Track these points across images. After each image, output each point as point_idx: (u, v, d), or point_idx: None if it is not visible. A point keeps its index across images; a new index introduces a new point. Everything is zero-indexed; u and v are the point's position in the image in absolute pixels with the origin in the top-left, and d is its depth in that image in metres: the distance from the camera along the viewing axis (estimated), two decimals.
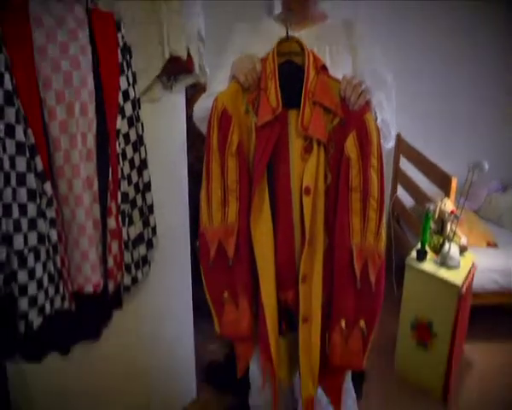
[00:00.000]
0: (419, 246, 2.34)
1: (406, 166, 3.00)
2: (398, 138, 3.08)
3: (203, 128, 1.53)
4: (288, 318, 1.48)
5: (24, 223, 1.40)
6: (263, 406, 1.87)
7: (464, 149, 2.95)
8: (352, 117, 1.35)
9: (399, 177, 3.11)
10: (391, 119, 1.55)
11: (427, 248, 2.34)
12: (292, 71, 1.38)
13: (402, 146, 3.06)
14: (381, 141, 1.38)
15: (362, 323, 1.42)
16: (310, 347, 1.42)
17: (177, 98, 1.81)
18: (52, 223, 1.47)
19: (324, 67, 1.39)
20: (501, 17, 3.09)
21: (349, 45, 1.56)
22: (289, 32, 1.44)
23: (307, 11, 1.59)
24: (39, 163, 1.44)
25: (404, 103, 2.76)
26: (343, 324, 1.40)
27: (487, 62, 3.17)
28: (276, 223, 1.39)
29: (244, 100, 1.39)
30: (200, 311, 1.95)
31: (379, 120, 1.44)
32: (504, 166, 3.16)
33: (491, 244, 2.78)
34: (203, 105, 1.55)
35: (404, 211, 3.07)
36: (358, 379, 2.43)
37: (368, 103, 1.35)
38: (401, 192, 3.10)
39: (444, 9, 3.03)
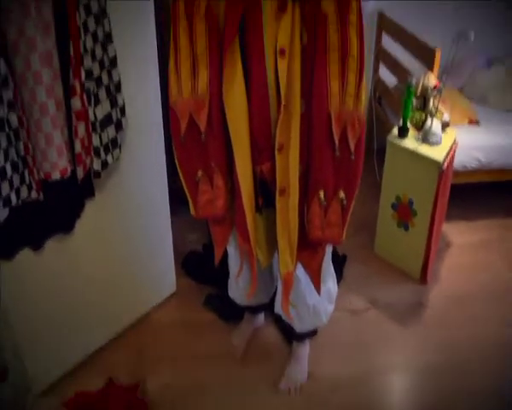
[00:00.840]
0: (401, 123, 2.28)
1: (389, 44, 2.87)
2: (381, 16, 2.92)
3: None
4: (265, 193, 1.44)
5: None
6: (242, 291, 1.88)
7: (449, 22, 2.81)
8: None
9: (381, 56, 2.98)
10: None
11: (409, 125, 2.28)
12: None
13: (384, 23, 2.91)
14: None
15: (341, 193, 1.38)
16: (288, 220, 1.39)
17: None
18: (10, 106, 1.36)
19: None
20: None
21: None
22: None
23: None
24: None
25: None
26: (322, 194, 1.36)
27: None
28: (250, 90, 1.30)
29: None
30: (178, 199, 1.91)
31: None
32: (491, 40, 3.02)
33: (474, 121, 2.73)
34: None
35: (386, 91, 2.98)
36: (339, 261, 2.48)
37: None
38: (383, 72, 2.99)
39: None
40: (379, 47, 2.98)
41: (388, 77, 2.92)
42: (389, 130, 2.40)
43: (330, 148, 1.32)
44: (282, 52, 1.23)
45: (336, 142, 1.31)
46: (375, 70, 3.05)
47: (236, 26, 1.24)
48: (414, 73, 2.51)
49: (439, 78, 2.32)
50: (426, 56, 2.40)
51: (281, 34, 1.23)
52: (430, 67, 2.33)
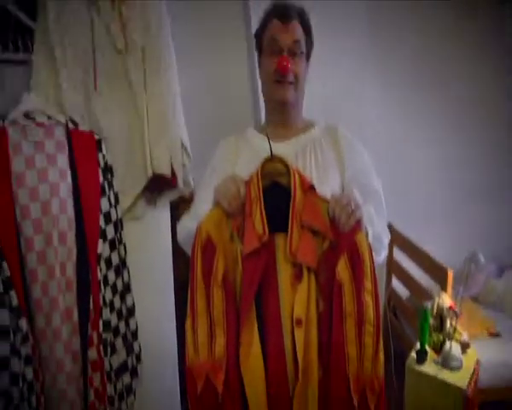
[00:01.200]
0: (418, 346, 2.23)
1: (400, 256, 2.94)
2: (391, 229, 3.03)
3: (188, 250, 1.46)
4: None
5: None
6: None
7: (460, 232, 2.91)
8: (342, 239, 1.29)
9: (393, 268, 3.04)
10: (382, 228, 1.50)
11: (427, 348, 2.23)
12: (277, 193, 1.34)
13: (395, 236, 3.01)
14: (374, 256, 1.33)
15: None
16: None
17: (162, 213, 1.77)
18: (27, 360, 1.37)
19: (311, 187, 1.34)
20: None
21: (334, 155, 1.53)
22: (273, 142, 1.43)
23: (291, 121, 1.57)
24: (14, 298, 1.36)
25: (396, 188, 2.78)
26: None
27: (475, 146, 3.17)
28: (267, 355, 1.30)
29: (229, 226, 1.33)
30: None
31: (370, 236, 1.38)
32: (501, 249, 3.10)
33: (493, 333, 2.68)
34: (187, 226, 1.49)
35: (400, 302, 2.98)
36: None
37: (358, 223, 1.30)
38: (395, 283, 3.02)
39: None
40: (390, 259, 3.05)
41: (400, 286, 2.94)
42: (405, 338, 2.34)
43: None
44: (299, 322, 1.25)
45: (356, 405, 1.27)
46: (388, 281, 3.08)
47: (253, 295, 1.27)
48: (426, 287, 2.54)
49: (454, 292, 2.32)
50: (438, 275, 2.44)
51: (297, 304, 1.26)
52: (443, 287, 2.35)
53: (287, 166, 1.37)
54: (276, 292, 1.29)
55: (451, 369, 2.16)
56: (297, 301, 1.26)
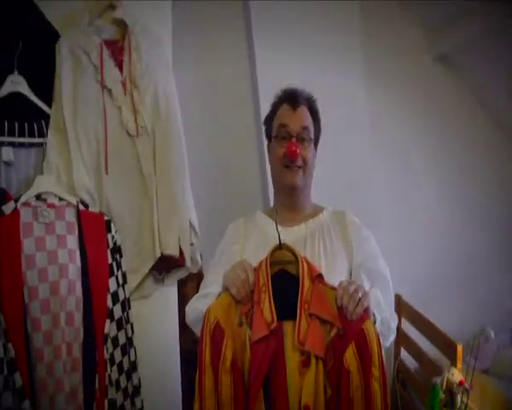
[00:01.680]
0: None
1: (408, 327, 2.90)
2: (399, 300, 3.01)
3: (197, 331, 1.46)
4: None
5: None
6: None
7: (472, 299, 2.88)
8: (350, 327, 1.28)
9: (402, 339, 2.99)
10: (390, 314, 1.49)
11: None
12: (286, 281, 1.34)
13: (403, 308, 2.98)
14: (382, 341, 1.32)
15: None
16: None
17: (169, 291, 1.77)
18: None
19: (319, 275, 1.35)
20: None
21: (342, 241, 1.55)
22: (282, 227, 1.44)
23: (300, 205, 1.60)
24: (18, 379, 1.35)
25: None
26: None
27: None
28: None
29: (237, 312, 1.33)
30: None
31: (378, 322, 1.38)
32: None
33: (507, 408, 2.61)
34: (197, 308, 1.48)
35: (408, 374, 2.92)
36: None
37: (366, 311, 1.30)
38: (404, 354, 2.97)
39: None
40: (399, 332, 3.01)
41: (409, 357, 2.89)
42: None
43: None
44: (306, 408, 1.24)
45: None
46: (397, 353, 3.03)
47: (261, 381, 1.26)
48: (435, 359, 2.49)
49: (464, 365, 2.28)
50: (448, 349, 2.40)
51: (305, 390, 1.25)
52: (453, 362, 2.31)
53: (295, 254, 1.38)
54: (284, 378, 1.27)
55: None
56: (305, 387, 1.24)
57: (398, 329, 3.03)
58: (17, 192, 1.57)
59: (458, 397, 2.21)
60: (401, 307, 3.02)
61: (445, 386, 2.26)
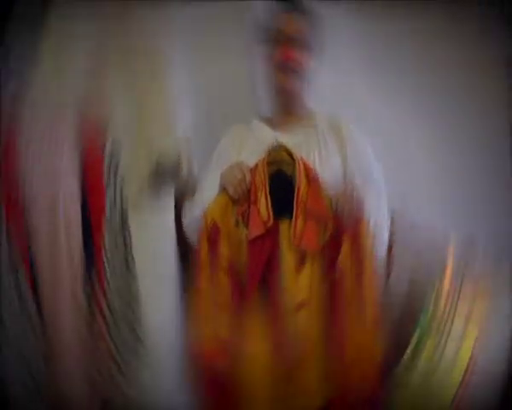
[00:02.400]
0: None
1: None
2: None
3: (192, 235, 1.48)
4: None
5: None
6: None
7: None
8: (345, 229, 1.32)
9: None
10: (383, 216, 1.51)
11: None
12: (282, 181, 1.36)
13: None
14: (376, 244, 1.37)
15: None
16: None
17: (165, 203, 1.77)
18: None
19: (316, 177, 1.36)
20: None
21: (337, 145, 1.55)
22: (278, 132, 1.48)
23: (295, 110, 1.59)
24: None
25: None
26: None
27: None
28: (271, 338, 1.32)
29: (234, 212, 1.35)
30: None
31: (372, 224, 1.41)
32: None
33: None
34: (192, 211, 1.50)
35: None
36: None
37: (360, 213, 1.33)
38: None
39: None
40: None
41: None
42: None
43: None
44: (301, 306, 1.29)
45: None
46: None
47: (258, 279, 1.32)
48: None
49: None
50: None
51: (300, 288, 1.30)
52: None
53: (291, 154, 1.39)
54: (279, 277, 1.31)
55: None
56: (300, 285, 1.29)
57: None
58: None
59: None
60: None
61: None
